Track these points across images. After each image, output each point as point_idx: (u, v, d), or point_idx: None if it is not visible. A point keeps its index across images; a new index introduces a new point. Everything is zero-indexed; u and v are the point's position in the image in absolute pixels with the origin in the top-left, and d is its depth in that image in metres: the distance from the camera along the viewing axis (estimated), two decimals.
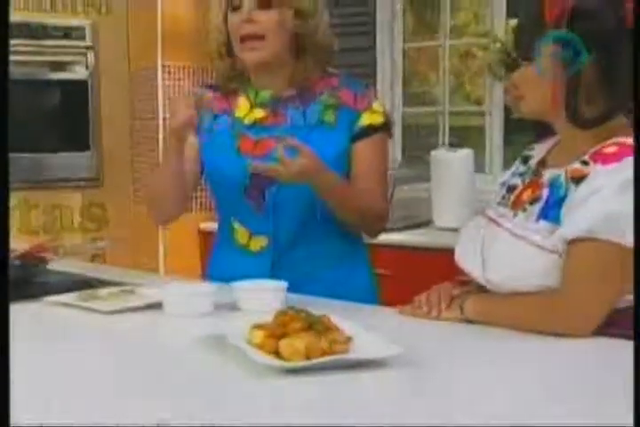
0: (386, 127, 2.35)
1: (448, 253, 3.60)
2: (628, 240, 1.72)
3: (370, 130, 2.32)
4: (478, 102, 4.80)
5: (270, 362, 1.50)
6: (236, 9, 2.24)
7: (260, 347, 1.56)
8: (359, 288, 2.37)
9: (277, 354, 1.54)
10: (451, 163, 4.02)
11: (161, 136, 4.30)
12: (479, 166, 4.23)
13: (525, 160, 2.05)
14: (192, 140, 2.37)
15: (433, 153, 4.09)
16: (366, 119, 2.31)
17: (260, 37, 2.22)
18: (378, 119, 2.33)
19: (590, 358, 1.70)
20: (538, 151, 2.04)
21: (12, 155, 3.87)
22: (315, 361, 1.49)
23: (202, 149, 2.38)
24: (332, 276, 2.33)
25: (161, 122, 4.31)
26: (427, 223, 4.05)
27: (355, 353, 1.55)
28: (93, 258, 4.14)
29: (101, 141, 4.39)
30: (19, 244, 3.04)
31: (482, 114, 4.58)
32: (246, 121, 2.35)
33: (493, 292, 1.92)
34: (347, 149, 2.30)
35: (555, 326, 1.78)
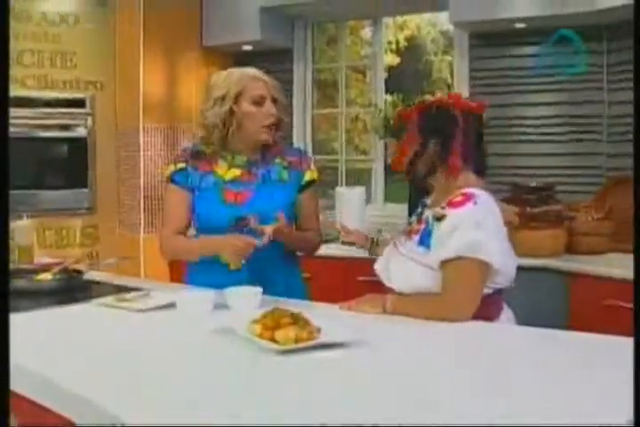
0: (318, 182, 2.46)
1: (349, 260, 3.77)
2: (481, 257, 1.88)
3: (310, 184, 2.42)
4: (364, 153, 4.93)
5: (271, 346, 1.58)
6: (259, 105, 2.28)
7: (260, 336, 1.62)
8: (298, 290, 2.42)
9: (273, 341, 1.60)
10: (349, 197, 4.06)
11: (142, 178, 4.33)
12: (367, 199, 4.32)
13: (423, 205, 2.18)
14: (183, 194, 2.39)
15: (337, 189, 4.15)
16: (308, 176, 2.41)
17: (276, 124, 2.33)
18: (314, 176, 2.43)
19: (470, 334, 1.85)
20: (428, 200, 2.17)
21: (31, 191, 3.92)
22: (301, 345, 1.58)
23: (194, 200, 2.37)
24: (283, 283, 2.36)
25: (142, 167, 4.33)
26: (334, 240, 4.12)
27: (325, 338, 1.62)
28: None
29: (96, 182, 4.35)
30: (49, 259, 3.08)
31: (368, 161, 4.65)
32: (226, 178, 2.35)
33: (401, 293, 2.03)
34: (295, 197, 2.38)
35: (444, 316, 1.91)
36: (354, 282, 3.54)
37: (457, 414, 1.24)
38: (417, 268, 1.96)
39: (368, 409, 1.26)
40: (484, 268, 1.91)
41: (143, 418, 1.22)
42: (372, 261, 3.59)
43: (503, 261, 1.94)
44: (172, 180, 2.41)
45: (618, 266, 3.10)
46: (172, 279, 3.95)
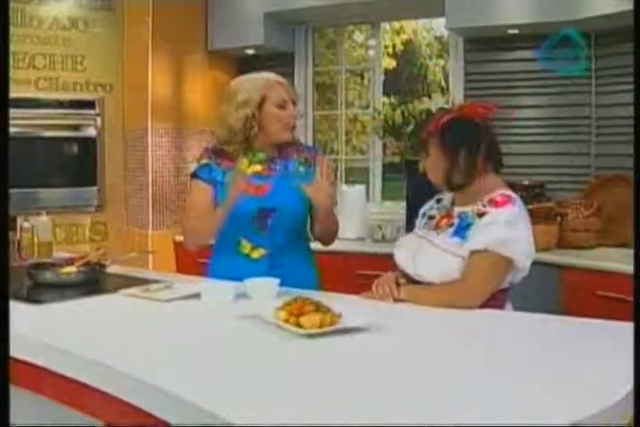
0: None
1: (349, 254, 3.86)
2: (508, 254, 1.99)
3: None
4: (362, 152, 5.01)
5: (299, 331, 1.66)
6: (282, 108, 2.40)
7: (286, 322, 1.71)
8: (312, 282, 2.49)
9: (298, 326, 1.68)
10: (349, 194, 4.18)
11: (150, 177, 4.40)
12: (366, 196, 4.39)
13: (439, 201, 2.29)
14: (206, 187, 2.46)
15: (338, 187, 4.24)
16: None
17: (296, 126, 2.45)
18: None
19: (482, 320, 1.94)
20: (446, 197, 2.27)
21: (42, 189, 4.00)
22: (325, 329, 1.67)
23: (217, 194, 2.43)
24: (299, 274, 2.42)
25: (150, 167, 4.40)
26: None
27: (346, 323, 1.71)
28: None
29: (104, 180, 4.43)
30: (68, 254, 3.14)
31: (366, 160, 4.70)
32: (248, 173, 2.39)
33: (417, 282, 2.13)
34: None
35: (455, 303, 2.01)
36: (353, 275, 3.63)
37: (471, 396, 1.32)
38: (450, 258, 2.05)
39: (388, 390, 1.35)
40: (507, 264, 2.02)
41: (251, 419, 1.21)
42: (372, 256, 3.72)
43: (526, 260, 2.06)
44: (195, 175, 2.50)
45: (606, 259, 3.23)
46: (179, 273, 4.02)
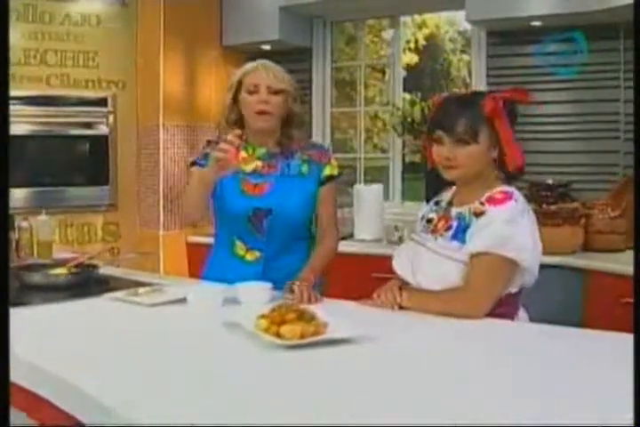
0: (339, 176, 2.42)
1: (363, 257, 3.72)
2: (510, 254, 1.83)
3: (329, 178, 2.39)
4: (383, 150, 4.86)
5: (274, 341, 1.54)
6: (252, 93, 2.28)
7: (266, 331, 1.59)
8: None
9: (278, 335, 1.56)
10: (366, 194, 4.03)
11: (161, 175, 4.30)
12: (384, 195, 4.24)
13: (437, 203, 2.13)
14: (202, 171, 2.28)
15: (354, 187, 4.11)
16: (327, 171, 2.38)
17: (270, 113, 2.28)
18: (334, 171, 2.40)
19: (481, 331, 1.79)
20: (445, 198, 2.11)
21: (53, 188, 3.91)
22: (308, 340, 1.54)
23: (215, 188, 2.29)
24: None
25: (161, 165, 4.29)
26: (350, 236, 4.04)
27: (332, 334, 1.59)
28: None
29: (117, 179, 4.34)
30: (70, 254, 3.06)
31: (386, 159, 4.57)
32: (247, 169, 2.33)
33: (418, 288, 1.97)
34: (315, 190, 2.36)
35: (459, 311, 1.85)
36: (368, 278, 3.48)
37: (455, 412, 1.20)
38: (450, 263, 1.90)
39: (368, 406, 1.22)
40: (510, 265, 1.86)
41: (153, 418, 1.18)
42: (387, 258, 3.57)
43: (532, 259, 1.88)
44: (195, 163, 2.39)
45: (633, 264, 3.03)
46: (191, 275, 3.93)
